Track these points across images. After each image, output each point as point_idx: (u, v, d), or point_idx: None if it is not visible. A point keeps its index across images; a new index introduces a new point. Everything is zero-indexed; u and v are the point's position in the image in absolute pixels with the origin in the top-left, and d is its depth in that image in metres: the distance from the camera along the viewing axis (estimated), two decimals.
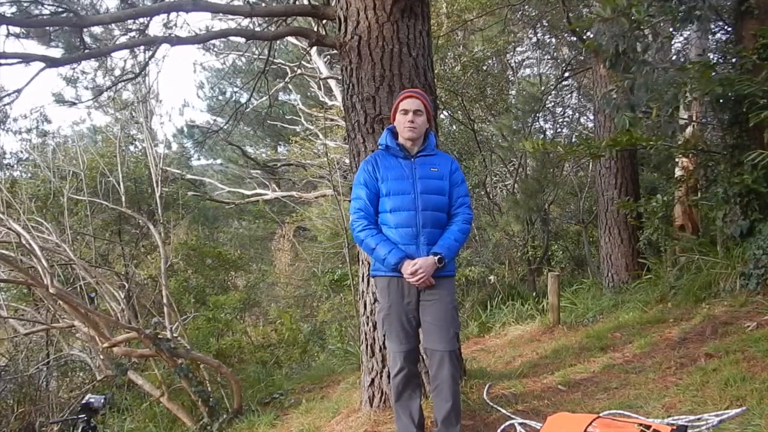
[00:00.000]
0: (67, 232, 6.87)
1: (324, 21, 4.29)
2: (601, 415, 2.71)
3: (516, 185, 9.64)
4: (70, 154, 9.43)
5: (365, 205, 2.77)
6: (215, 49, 12.58)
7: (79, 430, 3.31)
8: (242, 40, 7.85)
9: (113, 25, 5.45)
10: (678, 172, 6.99)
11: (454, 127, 10.81)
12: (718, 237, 5.37)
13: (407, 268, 2.64)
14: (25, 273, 4.64)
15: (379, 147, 2.93)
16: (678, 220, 6.75)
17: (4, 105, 4.16)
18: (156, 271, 8.70)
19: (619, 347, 4.25)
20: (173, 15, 5.17)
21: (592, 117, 9.93)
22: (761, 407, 2.66)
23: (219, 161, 19.35)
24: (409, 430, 2.79)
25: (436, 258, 2.66)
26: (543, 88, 10.24)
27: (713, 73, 4.77)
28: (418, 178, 2.76)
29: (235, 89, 16.57)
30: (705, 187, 6.15)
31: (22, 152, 11.66)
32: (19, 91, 3.82)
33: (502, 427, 3.03)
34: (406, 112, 2.79)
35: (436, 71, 4.53)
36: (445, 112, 10.38)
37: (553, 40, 11.41)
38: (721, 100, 5.03)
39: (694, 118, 6.33)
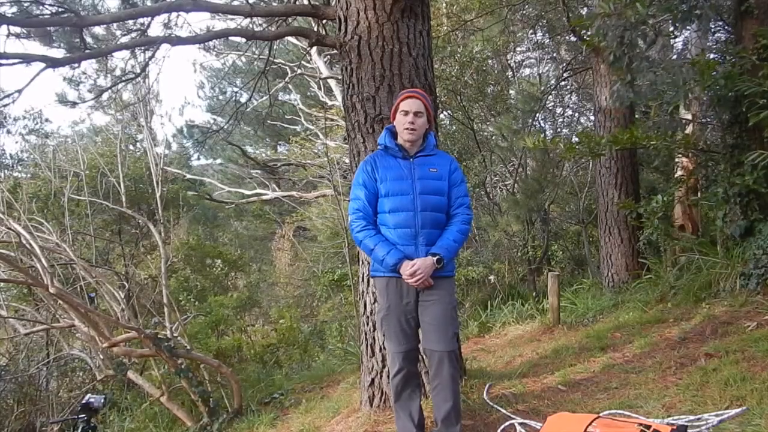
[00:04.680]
0: (67, 232, 6.86)
1: (324, 21, 4.29)
2: (601, 415, 2.71)
3: (516, 185, 9.64)
4: (71, 154, 9.43)
5: (364, 205, 2.77)
6: (215, 49, 12.59)
7: (79, 430, 3.31)
8: (242, 40, 7.85)
9: (114, 25, 5.46)
10: (678, 172, 7.00)
11: (454, 127, 10.82)
12: (718, 237, 5.38)
13: (406, 269, 2.64)
14: (26, 273, 4.64)
15: (378, 147, 2.92)
16: (678, 220, 6.76)
17: (4, 106, 4.15)
18: (156, 271, 8.71)
19: (619, 347, 4.25)
20: (173, 15, 5.17)
21: (592, 117, 9.93)
22: (761, 407, 2.67)
23: (219, 161, 19.37)
24: (408, 430, 2.79)
25: (435, 259, 2.66)
26: (543, 88, 10.25)
27: (714, 72, 4.78)
28: (417, 178, 2.76)
29: (235, 89, 16.58)
30: (705, 187, 6.15)
31: (21, 153, 11.69)
32: (19, 92, 3.82)
33: (502, 427, 3.04)
34: (406, 113, 2.77)
35: (435, 71, 4.54)
36: (445, 112, 10.38)
37: (552, 41, 11.41)
38: (720, 100, 5.03)
39: (694, 118, 6.34)
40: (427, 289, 2.70)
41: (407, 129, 2.77)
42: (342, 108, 4.98)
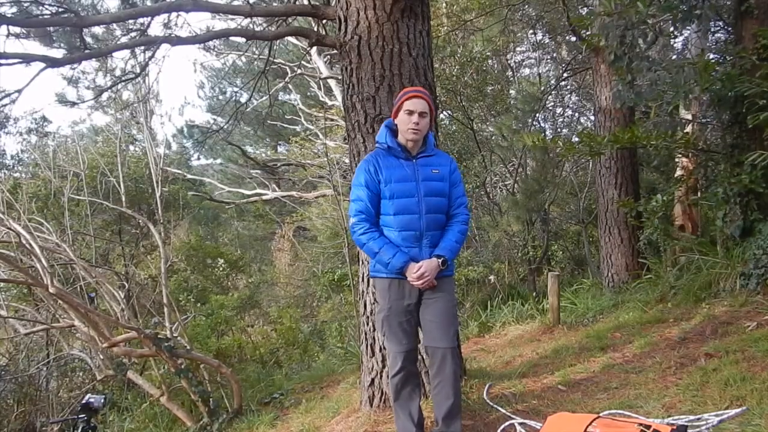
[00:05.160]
0: (67, 232, 6.86)
1: (324, 21, 4.29)
2: (601, 415, 2.71)
3: (516, 185, 9.64)
4: (71, 154, 9.43)
5: (366, 207, 2.72)
6: (215, 49, 12.59)
7: (79, 430, 3.31)
8: (242, 40, 7.86)
9: (114, 25, 5.46)
10: (678, 172, 6.99)
11: (454, 127, 10.82)
12: (718, 237, 5.37)
13: (412, 271, 2.64)
14: (25, 273, 4.64)
15: (377, 145, 2.87)
16: (678, 220, 6.75)
17: (4, 106, 4.15)
18: (156, 271, 8.71)
19: (619, 347, 4.25)
20: (173, 15, 5.17)
21: (592, 117, 9.93)
22: (761, 407, 2.66)
23: (219, 161, 19.39)
24: (408, 430, 2.79)
25: (440, 261, 2.66)
26: (543, 88, 10.25)
27: (713, 72, 4.78)
28: (421, 180, 2.74)
29: (235, 89, 16.60)
30: (705, 187, 6.15)
31: (21, 153, 11.71)
32: (19, 92, 3.82)
33: (502, 427, 3.04)
34: (411, 113, 2.71)
35: (435, 71, 4.53)
36: (445, 112, 10.38)
37: (553, 41, 11.41)
38: (720, 100, 5.03)
39: (693, 118, 6.34)
40: (430, 289, 2.71)
41: (411, 129, 2.71)
42: (342, 108, 4.98)
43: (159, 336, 4.63)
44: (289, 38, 9.83)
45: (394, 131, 2.83)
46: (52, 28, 4.81)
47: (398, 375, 2.78)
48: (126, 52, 5.44)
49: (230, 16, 7.60)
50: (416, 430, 2.79)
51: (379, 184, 2.73)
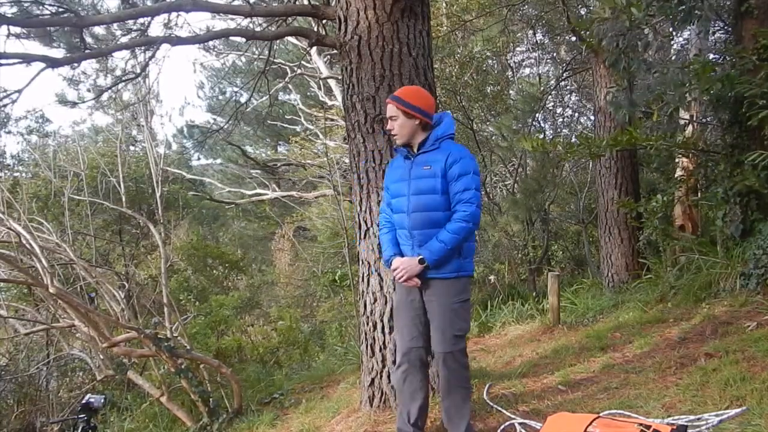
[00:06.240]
0: (67, 232, 6.86)
1: (324, 21, 4.29)
2: (601, 415, 2.71)
3: (516, 185, 9.64)
4: (71, 154, 9.43)
5: (384, 206, 2.96)
6: (215, 49, 12.60)
7: (79, 430, 3.31)
8: (242, 40, 7.85)
9: (114, 25, 5.46)
10: (678, 172, 6.99)
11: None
12: (718, 237, 5.37)
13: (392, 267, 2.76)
14: (25, 273, 4.64)
15: None
16: (678, 220, 6.75)
17: (4, 106, 4.15)
18: (156, 271, 8.71)
19: (619, 347, 4.25)
20: (173, 15, 5.16)
21: (592, 117, 9.93)
22: (761, 407, 2.66)
23: (219, 161, 19.39)
24: (405, 428, 2.81)
25: (418, 259, 2.66)
26: (543, 88, 10.25)
27: (713, 73, 4.77)
28: (412, 178, 2.75)
29: (235, 89, 16.60)
30: (705, 187, 6.15)
31: (22, 153, 11.72)
32: (19, 92, 3.82)
33: (502, 427, 3.04)
34: (387, 120, 2.85)
35: (435, 71, 4.53)
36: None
37: (552, 41, 11.40)
38: (720, 100, 5.03)
39: (694, 118, 6.34)
40: (428, 289, 2.72)
41: (392, 136, 2.85)
42: (342, 108, 4.98)
43: (159, 336, 4.62)
44: (289, 38, 9.84)
45: None
46: (52, 28, 4.81)
47: (398, 371, 2.82)
48: (126, 52, 5.45)
49: (230, 16, 7.60)
50: (413, 430, 2.80)
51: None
